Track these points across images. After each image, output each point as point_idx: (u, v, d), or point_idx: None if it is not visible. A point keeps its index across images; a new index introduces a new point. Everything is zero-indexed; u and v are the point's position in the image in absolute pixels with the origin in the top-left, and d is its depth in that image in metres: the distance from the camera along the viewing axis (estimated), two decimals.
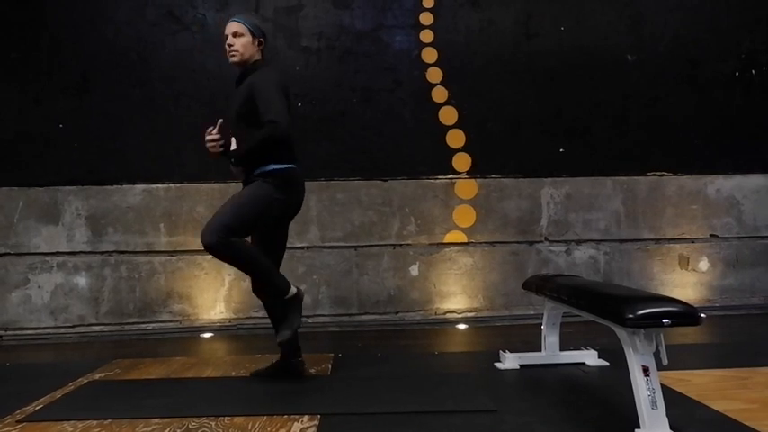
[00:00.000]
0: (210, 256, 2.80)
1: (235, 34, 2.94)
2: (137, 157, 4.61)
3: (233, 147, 3.00)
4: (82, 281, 4.56)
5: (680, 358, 3.01)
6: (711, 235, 4.88)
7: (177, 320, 4.58)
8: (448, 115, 4.76)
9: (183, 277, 4.58)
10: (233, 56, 2.95)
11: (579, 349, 3.27)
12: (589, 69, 4.84)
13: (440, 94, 4.76)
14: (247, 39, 2.94)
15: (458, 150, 4.75)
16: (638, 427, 2.11)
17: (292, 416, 2.46)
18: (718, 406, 2.44)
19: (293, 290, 2.88)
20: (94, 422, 2.44)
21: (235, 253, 2.76)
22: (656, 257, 4.83)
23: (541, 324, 3.21)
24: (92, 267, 4.56)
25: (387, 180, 4.71)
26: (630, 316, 2.08)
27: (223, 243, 2.70)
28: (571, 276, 3.23)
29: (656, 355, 2.16)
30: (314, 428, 2.33)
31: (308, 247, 4.61)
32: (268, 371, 3.11)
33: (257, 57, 2.99)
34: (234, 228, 2.74)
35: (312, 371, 3.18)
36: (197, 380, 3.12)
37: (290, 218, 3.05)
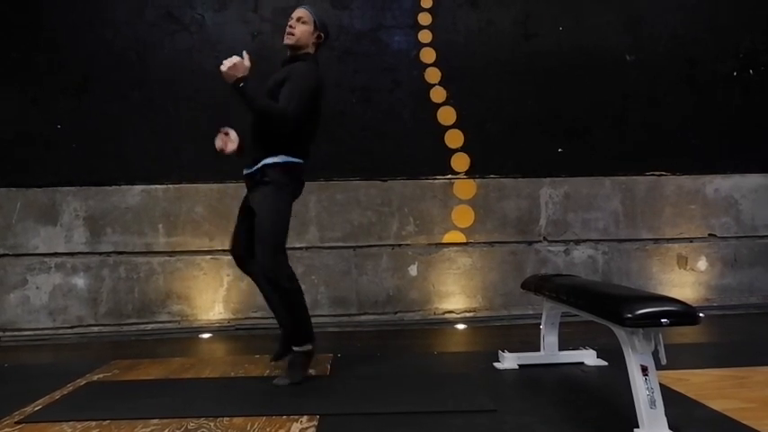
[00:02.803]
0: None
1: (299, 19, 3.03)
2: (135, 158, 4.61)
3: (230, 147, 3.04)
4: (80, 282, 4.55)
5: (678, 358, 3.01)
6: (710, 234, 4.89)
7: (176, 321, 4.58)
8: (447, 115, 4.76)
9: (182, 278, 4.58)
10: (289, 37, 3.01)
11: (578, 349, 3.27)
12: (588, 69, 4.84)
13: (438, 95, 4.76)
14: (309, 28, 3.04)
15: (456, 150, 4.75)
16: (637, 427, 2.11)
17: (291, 416, 2.45)
18: (717, 405, 2.44)
19: (309, 346, 3.00)
20: (93, 423, 2.44)
21: (290, 292, 2.91)
22: (654, 257, 4.84)
23: (540, 324, 3.21)
24: (90, 268, 4.56)
25: (386, 180, 4.71)
26: (629, 316, 2.08)
27: (282, 275, 2.87)
28: (570, 276, 3.23)
29: (655, 354, 2.16)
30: (313, 429, 2.33)
31: (306, 248, 4.61)
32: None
33: (310, 49, 3.08)
34: (283, 249, 2.91)
35: (311, 371, 3.18)
36: (196, 380, 3.12)
37: None
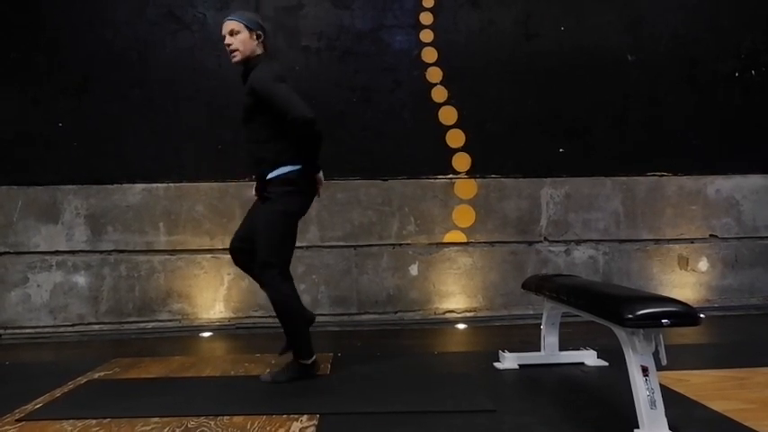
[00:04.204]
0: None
1: (231, 32, 2.95)
2: (136, 157, 4.61)
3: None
4: (81, 280, 4.55)
5: (679, 358, 3.01)
6: (711, 235, 4.89)
7: (176, 320, 4.58)
8: (448, 115, 4.76)
9: (183, 276, 4.58)
10: (234, 56, 2.97)
11: (578, 349, 3.28)
12: (589, 69, 4.84)
13: (440, 94, 4.76)
14: (244, 35, 2.95)
15: (457, 150, 4.75)
16: (638, 427, 2.11)
17: (291, 415, 2.46)
18: (717, 406, 2.45)
19: (310, 360, 3.01)
20: (93, 421, 2.45)
21: (284, 304, 2.92)
22: (655, 258, 4.83)
23: (541, 324, 3.21)
24: (91, 266, 4.56)
25: (386, 180, 4.71)
26: (630, 316, 2.08)
27: (277, 288, 2.88)
28: (570, 276, 3.23)
29: (656, 355, 2.16)
30: (313, 428, 2.33)
31: (307, 247, 4.61)
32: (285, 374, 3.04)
33: (258, 51, 3.00)
34: (278, 264, 2.90)
35: None
36: (196, 379, 3.13)
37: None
